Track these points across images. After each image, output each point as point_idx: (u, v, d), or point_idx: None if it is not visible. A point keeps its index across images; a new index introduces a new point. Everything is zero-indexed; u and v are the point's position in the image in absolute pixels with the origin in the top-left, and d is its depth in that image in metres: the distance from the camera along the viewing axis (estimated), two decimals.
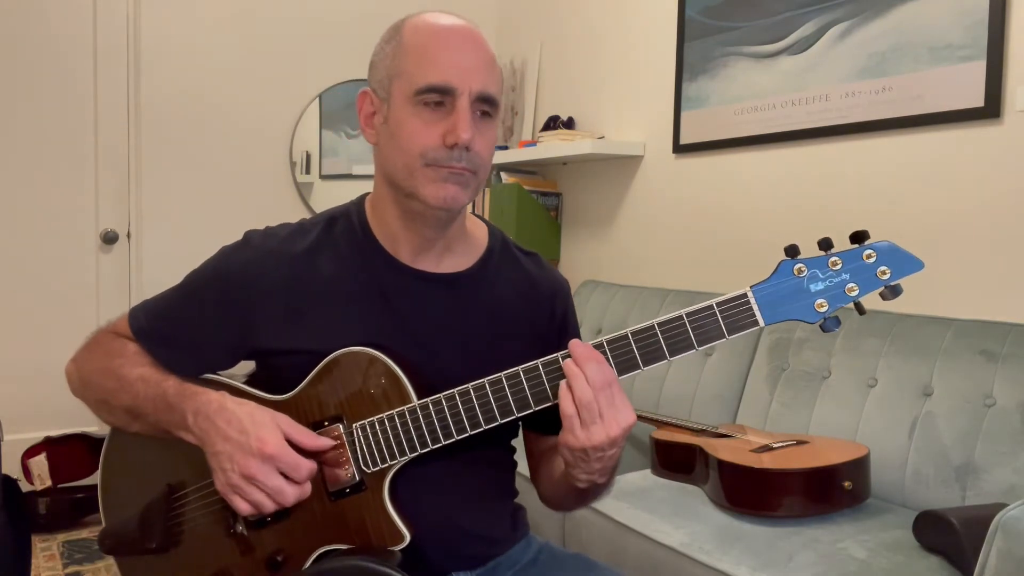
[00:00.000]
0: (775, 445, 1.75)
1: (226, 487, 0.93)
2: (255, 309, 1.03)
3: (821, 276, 0.88)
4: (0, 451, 1.97)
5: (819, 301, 0.88)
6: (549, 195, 3.20)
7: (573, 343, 0.90)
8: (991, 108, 1.84)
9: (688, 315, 0.89)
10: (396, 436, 0.96)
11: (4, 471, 1.96)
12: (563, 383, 0.89)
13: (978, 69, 1.86)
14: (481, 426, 0.95)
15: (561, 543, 1.87)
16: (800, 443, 1.77)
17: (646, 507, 1.71)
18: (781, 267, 0.89)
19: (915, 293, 2.00)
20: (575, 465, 0.93)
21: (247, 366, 1.12)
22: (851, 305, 0.91)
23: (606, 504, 1.76)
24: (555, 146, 2.95)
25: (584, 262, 3.12)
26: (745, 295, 0.89)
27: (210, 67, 3.10)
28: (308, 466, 0.94)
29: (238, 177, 3.17)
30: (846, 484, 1.61)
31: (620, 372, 0.91)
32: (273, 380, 1.04)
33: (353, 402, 0.99)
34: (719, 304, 0.89)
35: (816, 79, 2.22)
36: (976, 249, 1.89)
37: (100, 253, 2.97)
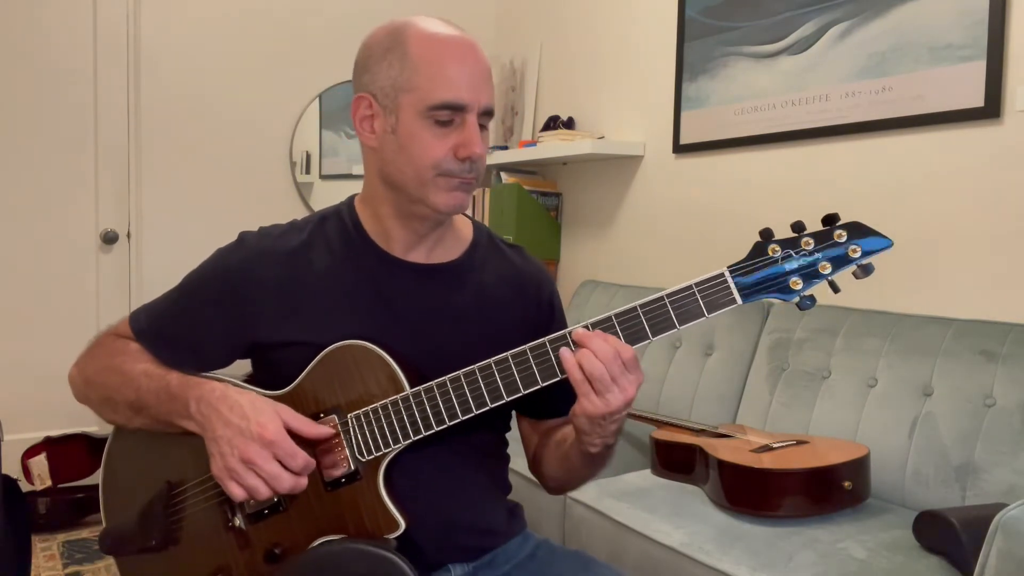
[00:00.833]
0: (775, 445, 1.75)
1: (223, 471, 0.96)
2: (252, 305, 1.06)
3: (795, 256, 0.92)
4: (0, 451, 1.97)
5: (794, 279, 0.92)
6: (549, 195, 3.20)
7: (574, 331, 0.94)
8: (991, 108, 1.84)
9: (669, 296, 0.94)
10: (390, 424, 0.99)
11: (4, 471, 1.96)
12: (570, 357, 0.92)
13: (978, 69, 1.86)
14: (472, 411, 0.97)
15: (561, 542, 1.87)
16: (800, 443, 1.77)
17: (646, 507, 1.71)
18: (756, 248, 0.94)
19: (915, 293, 2.01)
20: (591, 432, 0.97)
21: (245, 367, 1.13)
22: (826, 283, 0.94)
23: (606, 504, 1.76)
24: (555, 146, 2.95)
25: (584, 262, 3.12)
26: (722, 275, 0.93)
27: (210, 67, 3.10)
28: (304, 456, 0.96)
29: (238, 177, 3.17)
30: (846, 484, 1.61)
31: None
32: (270, 377, 1.06)
33: (348, 394, 1.01)
34: (698, 284, 0.93)
35: (816, 79, 2.22)
36: (976, 249, 1.89)
37: (100, 253, 2.97)
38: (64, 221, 2.90)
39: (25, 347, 2.83)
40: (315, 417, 1.01)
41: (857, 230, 0.92)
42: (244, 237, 1.11)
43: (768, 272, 0.92)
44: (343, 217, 1.12)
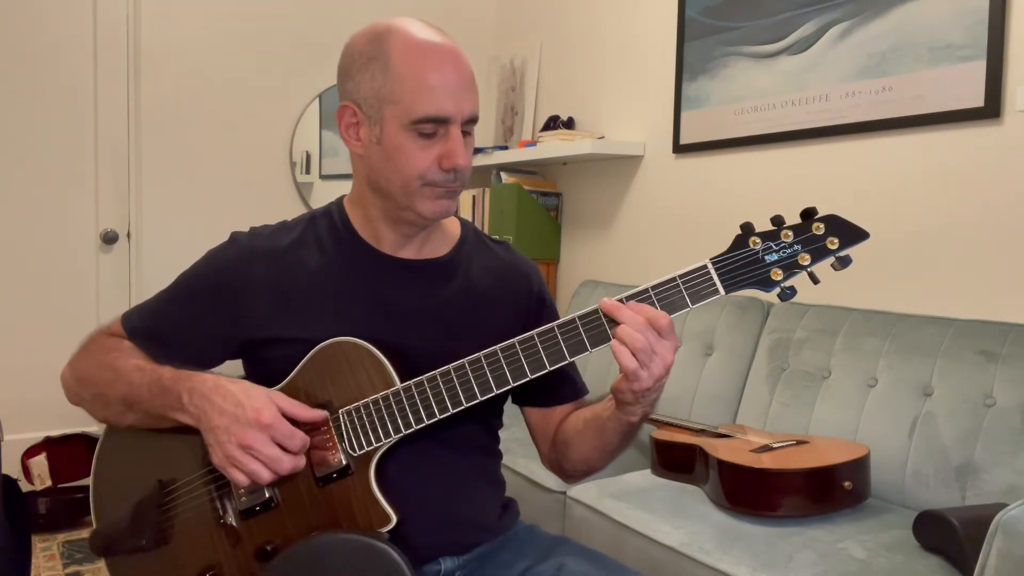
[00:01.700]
0: (775, 445, 1.75)
1: (223, 460, 0.96)
2: (244, 303, 1.07)
3: (775, 248, 0.95)
4: (0, 451, 1.97)
5: (774, 270, 0.95)
6: (549, 195, 3.20)
7: (604, 303, 0.95)
8: (991, 108, 1.84)
9: (653, 288, 0.96)
10: (380, 419, 1.00)
11: (4, 471, 1.96)
12: (615, 343, 0.93)
13: (978, 69, 1.86)
14: (462, 404, 0.98)
15: None
16: (800, 443, 1.77)
17: (646, 507, 1.71)
18: (737, 240, 0.96)
19: (915, 293, 2.01)
20: (635, 402, 0.99)
21: (237, 368, 1.13)
22: (806, 274, 0.96)
23: (606, 504, 1.76)
24: (555, 146, 2.95)
25: (584, 262, 3.12)
26: (705, 266, 0.95)
27: (210, 67, 3.10)
28: (302, 436, 0.97)
29: (238, 177, 3.17)
30: (846, 484, 1.61)
31: (592, 346, 0.96)
32: (262, 375, 1.07)
33: (340, 390, 1.02)
34: (681, 276, 0.95)
35: (816, 79, 2.22)
36: (976, 249, 1.89)
37: (100, 253, 2.97)
38: (64, 221, 2.90)
39: (25, 347, 2.83)
40: None
41: (835, 223, 0.94)
42: (235, 236, 1.12)
43: (749, 263, 0.95)
44: (333, 217, 1.14)
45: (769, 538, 1.52)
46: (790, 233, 0.95)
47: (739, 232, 0.96)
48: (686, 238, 2.67)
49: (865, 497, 1.66)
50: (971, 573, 1.21)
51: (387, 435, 1.00)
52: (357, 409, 1.01)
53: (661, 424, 2.03)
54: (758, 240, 0.95)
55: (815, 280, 0.98)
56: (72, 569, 2.41)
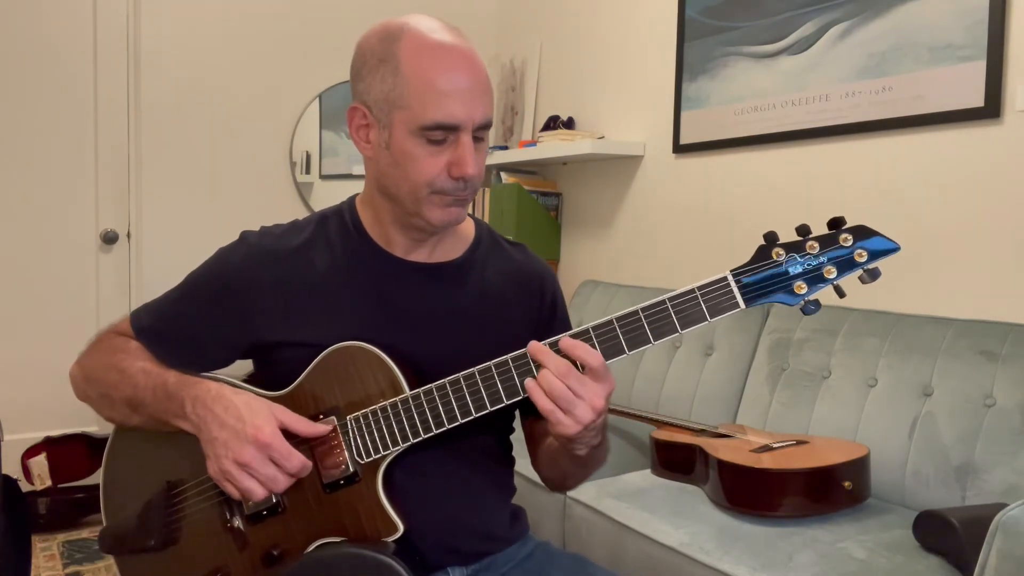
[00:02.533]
0: (775, 445, 1.75)
1: (219, 473, 0.96)
2: (253, 304, 1.05)
3: (799, 260, 0.91)
4: (0, 451, 1.97)
5: (798, 284, 0.91)
6: (549, 195, 3.20)
7: (532, 345, 0.93)
8: (991, 108, 1.84)
9: (671, 299, 0.92)
10: (389, 427, 0.98)
11: (4, 471, 1.96)
12: (530, 382, 0.91)
13: (978, 69, 1.86)
14: (471, 414, 0.97)
15: (561, 542, 1.87)
16: (800, 443, 1.77)
17: (646, 507, 1.71)
18: (759, 252, 0.92)
19: (915, 293, 2.01)
20: (572, 442, 0.97)
21: (246, 367, 1.13)
22: (832, 288, 0.93)
23: (606, 504, 1.76)
24: (555, 146, 2.95)
25: (584, 262, 3.12)
26: (725, 279, 0.91)
27: (210, 67, 3.10)
28: (300, 458, 0.96)
29: (238, 177, 3.17)
30: (846, 484, 1.61)
31: (606, 357, 0.93)
32: (271, 377, 1.06)
33: (348, 395, 1.01)
34: (700, 288, 0.92)
35: (816, 79, 2.22)
36: (976, 249, 1.89)
37: (100, 253, 2.97)
38: (64, 221, 2.90)
39: (25, 347, 2.83)
40: (314, 418, 1.01)
41: (863, 234, 0.90)
42: (245, 236, 1.10)
43: (772, 276, 0.91)
44: (344, 217, 1.11)
45: (769, 538, 1.52)
46: (816, 245, 0.90)
47: (762, 242, 0.92)
48: (686, 238, 2.67)
49: (865, 497, 1.66)
50: (971, 573, 1.21)
51: (395, 443, 0.98)
52: (365, 416, 0.99)
53: (661, 424, 2.03)
54: (781, 251, 0.91)
55: (841, 294, 0.94)
56: (72, 569, 2.41)
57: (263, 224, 1.13)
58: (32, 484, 2.66)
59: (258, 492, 0.95)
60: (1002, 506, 1.19)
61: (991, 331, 1.72)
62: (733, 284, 0.91)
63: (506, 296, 1.13)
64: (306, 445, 1.00)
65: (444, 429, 0.97)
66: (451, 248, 1.12)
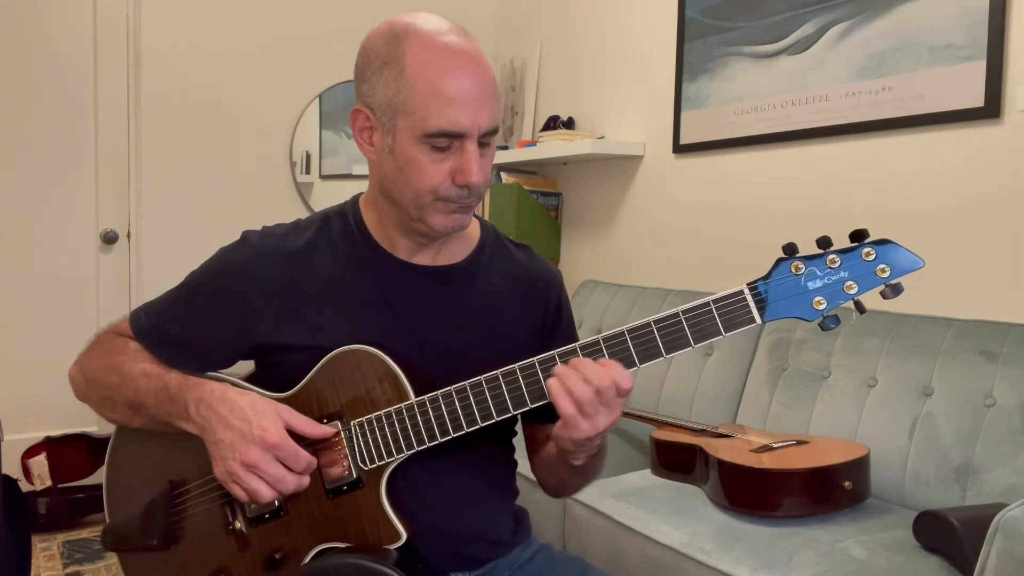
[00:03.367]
0: (775, 445, 1.75)
1: (225, 475, 0.94)
2: (253, 306, 1.04)
3: (819, 274, 0.88)
4: (0, 451, 1.97)
5: (817, 299, 0.88)
6: (549, 195, 3.20)
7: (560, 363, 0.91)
8: (991, 108, 1.84)
9: (684, 312, 0.90)
10: (393, 434, 0.97)
11: (4, 471, 1.96)
12: (553, 384, 0.89)
13: (978, 69, 1.86)
14: (477, 423, 0.95)
15: (561, 543, 1.87)
16: (800, 443, 1.77)
17: (646, 507, 1.71)
18: (778, 264, 0.89)
19: (915, 293, 2.00)
20: (576, 451, 0.96)
21: (247, 367, 1.12)
22: (851, 304, 0.90)
23: (606, 504, 1.76)
24: (555, 146, 2.95)
25: (584, 262, 3.12)
26: (741, 292, 0.89)
27: (210, 67, 3.10)
28: (307, 457, 0.95)
29: (238, 177, 3.17)
30: (846, 484, 1.61)
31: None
32: (272, 379, 1.05)
33: (352, 400, 1.00)
34: (715, 301, 0.89)
35: (816, 79, 2.22)
36: (976, 249, 1.89)
37: (100, 253, 2.97)
38: (64, 221, 2.90)
39: (25, 347, 2.83)
40: (317, 422, 1.00)
41: (887, 248, 0.86)
42: (247, 236, 1.08)
43: (790, 290, 0.88)
44: (347, 218, 1.09)
45: (769, 538, 1.52)
46: (837, 259, 0.87)
47: (781, 255, 0.89)
48: (686, 238, 2.67)
49: (865, 497, 1.66)
50: (971, 573, 1.21)
51: (399, 451, 0.97)
52: (370, 421, 0.98)
53: (661, 424, 2.03)
54: (801, 265, 0.87)
55: (861, 310, 0.90)
56: (72, 569, 2.41)
57: (264, 224, 1.11)
58: (32, 484, 2.66)
59: (265, 493, 0.93)
60: (1002, 506, 1.19)
61: (991, 331, 1.72)
62: (749, 298, 0.88)
63: (511, 300, 1.11)
64: (310, 449, 0.99)
65: (449, 438, 0.96)
66: (456, 251, 1.11)
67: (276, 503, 1.00)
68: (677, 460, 1.84)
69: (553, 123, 3.13)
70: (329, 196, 3.25)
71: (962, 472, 1.64)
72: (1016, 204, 1.82)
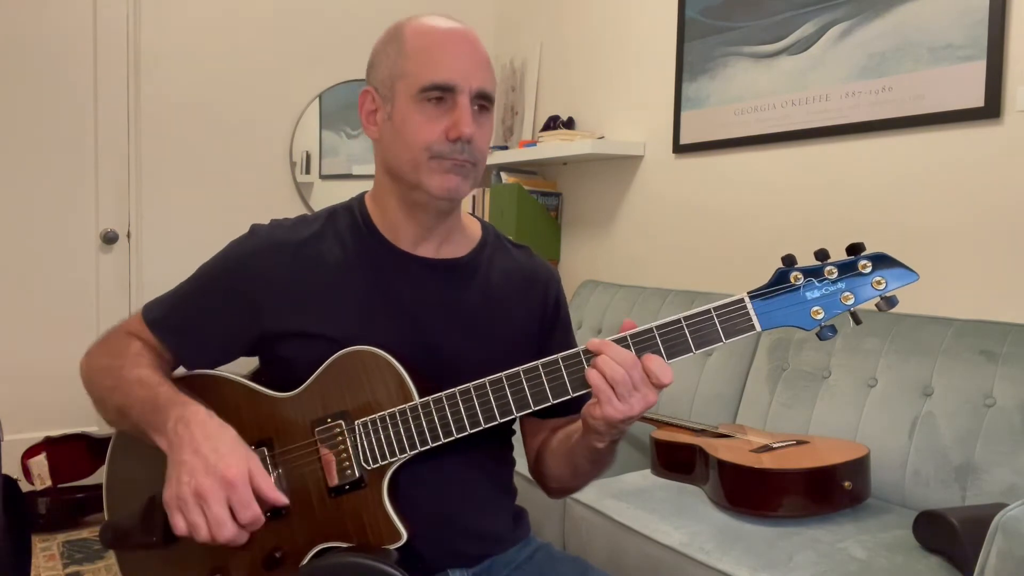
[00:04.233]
0: (775, 445, 1.75)
1: (172, 499, 0.92)
2: (262, 294, 1.06)
3: (817, 284, 0.91)
4: (0, 451, 1.97)
5: (815, 308, 0.91)
6: (549, 195, 3.20)
7: (590, 342, 0.94)
8: (991, 108, 1.84)
9: (686, 319, 0.92)
10: (397, 434, 0.98)
11: (4, 471, 1.96)
12: (589, 369, 0.92)
13: (978, 69, 1.86)
14: (481, 425, 0.97)
15: (561, 543, 1.87)
16: (800, 443, 1.77)
17: (646, 507, 1.71)
18: (778, 275, 0.92)
19: (915, 293, 2.00)
20: (605, 432, 0.96)
21: (250, 364, 1.13)
22: (848, 314, 0.93)
23: (606, 504, 1.76)
24: (555, 146, 2.95)
25: (584, 262, 3.12)
26: (742, 300, 0.92)
27: (210, 67, 3.10)
28: (256, 512, 0.92)
29: (238, 177, 3.17)
30: (846, 484, 1.61)
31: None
32: (277, 373, 1.07)
33: (357, 400, 1.01)
34: (716, 309, 0.92)
35: (816, 79, 2.22)
36: (976, 249, 1.89)
37: (100, 253, 2.97)
38: (64, 221, 2.90)
39: (25, 347, 2.83)
40: (321, 421, 1.01)
41: (882, 261, 0.90)
42: (256, 229, 1.11)
43: (789, 300, 0.91)
44: (353, 212, 1.13)
45: (769, 538, 1.52)
46: (834, 271, 0.91)
47: (780, 266, 0.92)
48: (686, 238, 2.67)
49: (865, 497, 1.66)
50: (971, 573, 1.21)
51: (403, 451, 0.98)
52: (373, 421, 0.99)
53: (661, 424, 2.03)
54: (800, 276, 0.91)
55: (858, 321, 0.94)
56: (72, 569, 2.41)
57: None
58: (32, 484, 2.66)
59: (203, 531, 0.90)
60: (1002, 506, 1.19)
61: (991, 331, 1.72)
62: (750, 306, 0.91)
63: (511, 296, 1.14)
64: (314, 448, 1.00)
65: (452, 439, 0.98)
66: (458, 246, 1.14)
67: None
68: (677, 460, 1.85)
69: (553, 123, 3.13)
70: (329, 196, 3.25)
71: (962, 472, 1.64)
72: (1016, 204, 1.82)
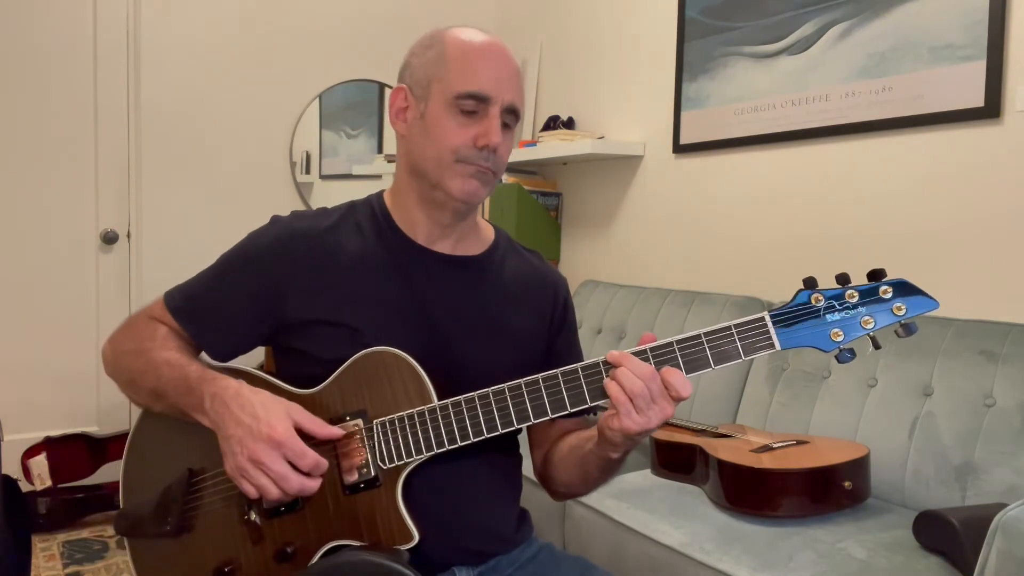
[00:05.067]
0: (775, 445, 1.75)
1: (234, 470, 0.97)
2: (283, 281, 1.08)
3: (838, 307, 0.93)
4: (0, 451, 1.97)
5: (835, 330, 0.93)
6: (549, 195, 3.20)
7: (609, 354, 0.96)
8: (991, 108, 1.84)
9: (706, 335, 0.94)
10: (415, 435, 1.00)
11: (4, 471, 1.96)
12: (609, 380, 0.93)
13: (978, 69, 1.86)
14: (498, 430, 0.98)
15: (561, 543, 1.87)
16: (800, 443, 1.77)
17: (646, 507, 1.71)
18: (799, 296, 0.94)
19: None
20: (621, 444, 0.98)
21: (256, 363, 1.13)
22: (868, 338, 0.94)
23: (606, 504, 1.76)
24: (555, 146, 2.95)
25: (584, 262, 3.12)
26: (763, 319, 0.94)
27: (210, 67, 3.10)
28: (314, 457, 0.96)
29: (238, 177, 3.17)
30: (846, 484, 1.61)
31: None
32: (294, 365, 1.09)
33: (375, 399, 1.02)
34: (737, 326, 0.94)
35: (816, 79, 2.22)
36: (976, 249, 1.89)
37: (100, 253, 2.97)
38: (64, 221, 2.90)
39: (25, 347, 2.83)
40: (340, 419, 1.02)
41: (904, 289, 0.92)
42: (277, 218, 1.14)
43: (810, 321, 0.93)
44: (372, 206, 1.16)
45: (769, 538, 1.52)
46: (855, 294, 0.93)
47: (801, 287, 0.94)
48: (686, 238, 2.67)
49: (865, 497, 1.66)
50: (971, 573, 1.21)
51: (419, 452, 1.00)
52: (392, 421, 1.01)
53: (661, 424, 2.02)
54: (821, 298, 0.93)
55: (877, 345, 0.95)
56: (72, 569, 2.41)
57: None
58: (32, 484, 2.66)
59: (272, 490, 0.95)
60: (1002, 506, 1.19)
61: (991, 331, 1.72)
62: (771, 325, 0.93)
63: (521, 295, 1.18)
64: (330, 446, 1.01)
65: (469, 442, 0.99)
66: (472, 245, 1.17)
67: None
68: (677, 460, 1.85)
69: (553, 123, 3.13)
70: (329, 196, 3.25)
71: (962, 472, 1.64)
72: (1016, 204, 1.82)
